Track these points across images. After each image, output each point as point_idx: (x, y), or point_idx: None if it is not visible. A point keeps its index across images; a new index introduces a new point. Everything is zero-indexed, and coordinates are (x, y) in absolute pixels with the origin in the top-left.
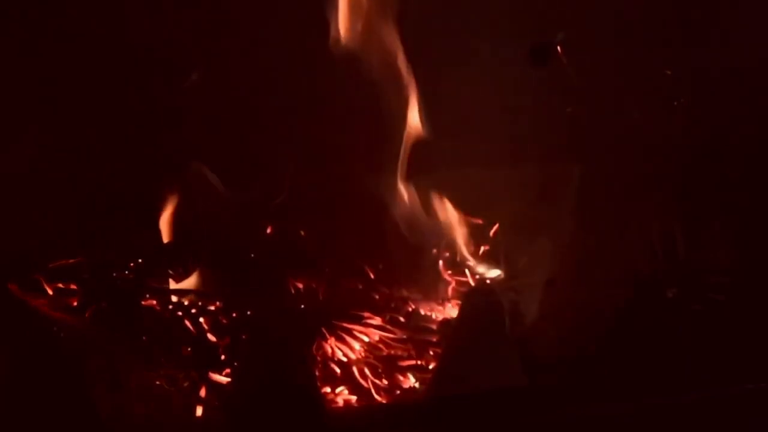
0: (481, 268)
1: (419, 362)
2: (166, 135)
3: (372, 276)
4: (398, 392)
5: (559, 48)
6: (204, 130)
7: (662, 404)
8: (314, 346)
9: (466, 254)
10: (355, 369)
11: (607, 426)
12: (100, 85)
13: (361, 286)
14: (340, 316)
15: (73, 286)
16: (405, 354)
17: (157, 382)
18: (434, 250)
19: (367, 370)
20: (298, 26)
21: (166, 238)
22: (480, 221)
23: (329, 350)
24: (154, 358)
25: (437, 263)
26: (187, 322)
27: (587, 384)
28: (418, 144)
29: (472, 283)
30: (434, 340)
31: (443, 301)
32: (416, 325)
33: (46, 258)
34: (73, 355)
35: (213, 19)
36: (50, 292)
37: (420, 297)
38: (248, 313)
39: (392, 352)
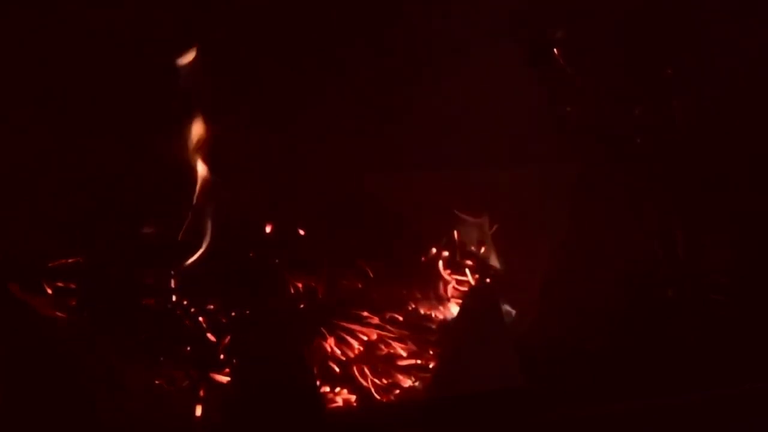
0: (480, 268)
1: (419, 362)
2: (167, 135)
3: (371, 275)
4: (398, 392)
5: (558, 47)
6: (203, 131)
7: (662, 404)
8: (314, 346)
9: (465, 254)
10: (354, 369)
11: (607, 426)
12: (100, 85)
13: (360, 286)
14: (340, 315)
15: (72, 286)
16: (404, 353)
17: (157, 382)
18: (434, 250)
19: (366, 370)
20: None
21: (165, 238)
22: (480, 221)
23: (329, 350)
24: (153, 357)
25: (437, 263)
26: (187, 322)
27: (586, 384)
28: (418, 144)
29: (472, 283)
30: (434, 339)
31: (443, 300)
32: (416, 324)
33: (46, 257)
34: (72, 355)
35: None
36: (50, 291)
37: (419, 296)
38: (248, 312)
39: (391, 351)
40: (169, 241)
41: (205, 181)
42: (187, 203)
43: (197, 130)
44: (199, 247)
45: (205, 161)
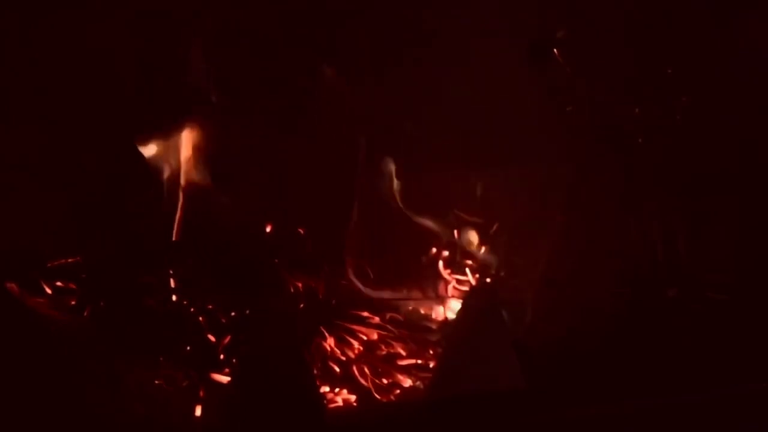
0: (481, 268)
1: (419, 361)
2: (167, 136)
3: (371, 275)
4: (398, 392)
5: (558, 47)
6: (203, 132)
7: (662, 404)
8: (314, 346)
9: (465, 254)
10: (355, 368)
11: (607, 426)
12: (100, 85)
13: (360, 286)
14: (340, 315)
15: (72, 286)
16: (404, 353)
17: (157, 382)
18: (434, 250)
19: (366, 370)
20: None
21: (165, 238)
22: (480, 221)
23: (329, 350)
24: (153, 357)
25: (437, 263)
26: (187, 322)
27: (587, 384)
28: (419, 144)
29: (473, 283)
30: (434, 339)
31: (443, 300)
32: (416, 324)
33: (45, 257)
34: (71, 355)
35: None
36: (49, 291)
37: (420, 296)
38: (247, 312)
39: (392, 351)
40: (168, 241)
41: (206, 182)
42: (188, 203)
43: (198, 130)
44: (199, 247)
45: (206, 162)
